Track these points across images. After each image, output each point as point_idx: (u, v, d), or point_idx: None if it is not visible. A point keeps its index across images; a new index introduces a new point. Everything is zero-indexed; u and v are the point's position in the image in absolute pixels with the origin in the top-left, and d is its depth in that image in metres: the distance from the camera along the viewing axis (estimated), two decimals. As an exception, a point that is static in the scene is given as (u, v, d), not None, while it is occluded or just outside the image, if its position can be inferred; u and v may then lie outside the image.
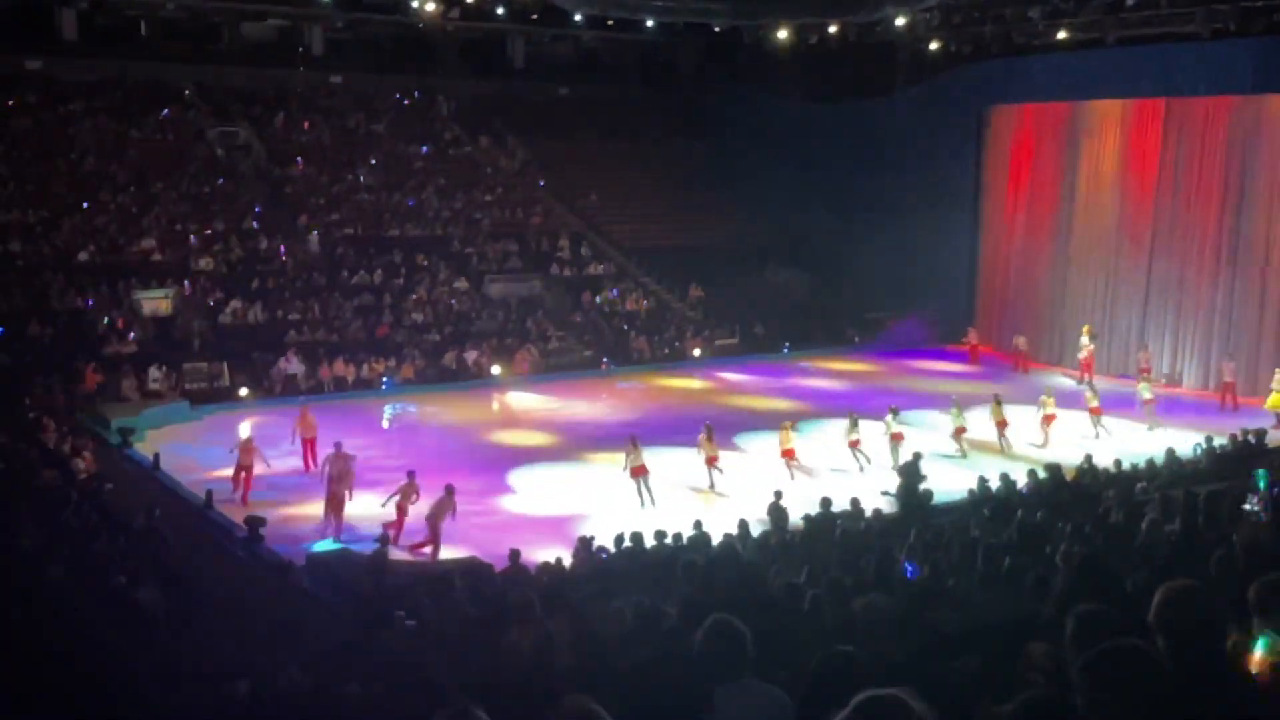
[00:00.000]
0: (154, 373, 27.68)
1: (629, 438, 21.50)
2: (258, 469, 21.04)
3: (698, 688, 4.25)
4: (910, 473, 19.40)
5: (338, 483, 19.10)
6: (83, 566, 12.98)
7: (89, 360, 27.31)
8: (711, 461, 21.87)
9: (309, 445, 22.65)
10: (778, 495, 18.09)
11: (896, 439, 23.21)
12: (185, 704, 7.45)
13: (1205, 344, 31.01)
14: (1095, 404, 25.69)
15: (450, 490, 18.35)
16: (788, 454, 22.61)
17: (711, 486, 21.74)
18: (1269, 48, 28.67)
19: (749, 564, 11.70)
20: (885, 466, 22.43)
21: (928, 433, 24.81)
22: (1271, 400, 26.40)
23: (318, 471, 20.24)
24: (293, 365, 29.20)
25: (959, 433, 24.11)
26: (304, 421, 22.94)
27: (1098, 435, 24.83)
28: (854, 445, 23.14)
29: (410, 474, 19.03)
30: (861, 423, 23.41)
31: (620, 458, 21.44)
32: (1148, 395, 26.51)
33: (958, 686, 5.61)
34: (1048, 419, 25.01)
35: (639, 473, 20.91)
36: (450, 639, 9.53)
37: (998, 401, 24.93)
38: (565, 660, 6.43)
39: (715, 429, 22.43)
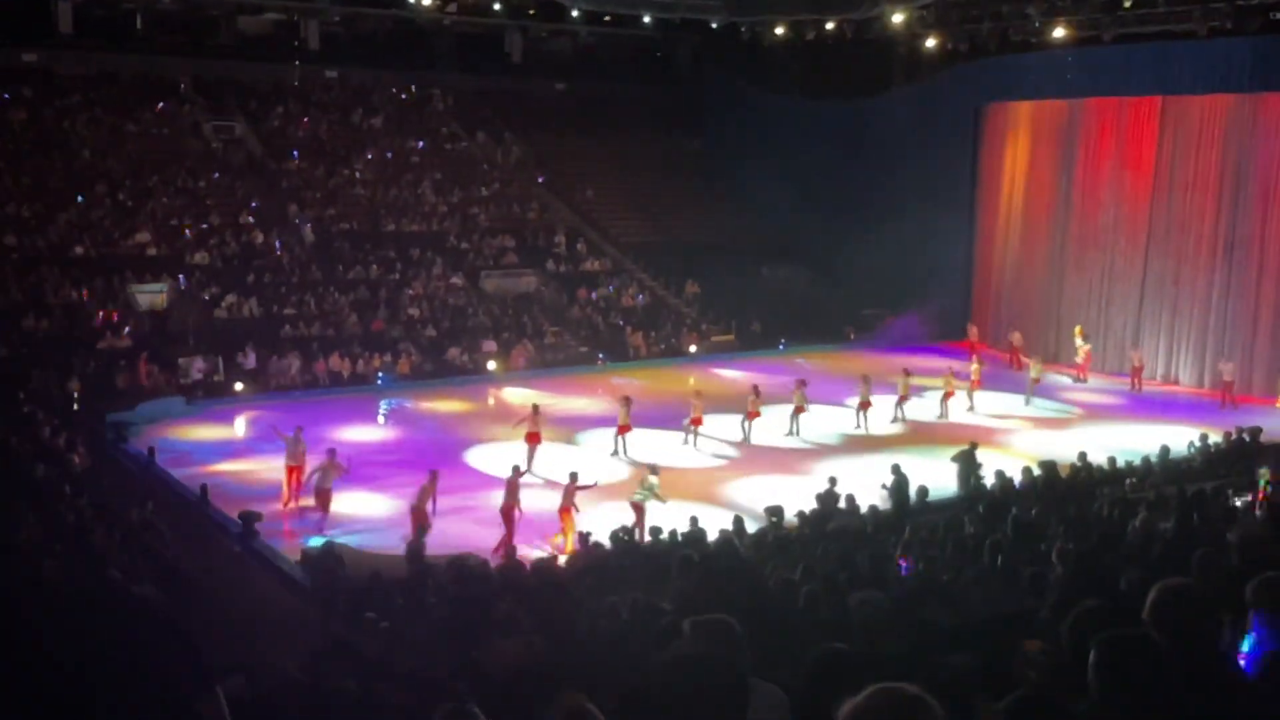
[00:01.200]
0: (199, 363, 28.21)
1: (622, 398, 24.22)
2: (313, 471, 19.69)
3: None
4: (967, 460, 19.73)
5: (322, 481, 19.13)
6: (78, 560, 12.97)
7: (87, 354, 27.32)
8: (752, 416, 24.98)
9: (293, 474, 20.03)
10: (895, 469, 18.72)
11: (864, 407, 26.10)
12: (179, 699, 7.44)
13: (1200, 342, 31.09)
14: (975, 378, 28.28)
15: (433, 475, 18.53)
16: (695, 422, 24.72)
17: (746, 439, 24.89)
18: (1265, 46, 28.69)
19: (746, 560, 11.71)
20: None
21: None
22: None
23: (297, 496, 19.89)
24: (250, 360, 28.95)
25: (864, 407, 26.09)
26: (294, 451, 20.24)
27: (971, 408, 27.68)
28: (864, 408, 26.01)
29: (433, 473, 18.82)
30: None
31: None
32: (1035, 375, 29.34)
33: (953, 683, 5.62)
34: (948, 395, 27.42)
35: (623, 430, 23.76)
36: (422, 644, 9.49)
37: (952, 374, 27.67)
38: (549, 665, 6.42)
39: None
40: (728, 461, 24.06)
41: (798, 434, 25.46)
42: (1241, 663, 3.75)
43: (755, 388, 25.54)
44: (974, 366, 28.82)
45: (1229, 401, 28.28)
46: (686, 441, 24.79)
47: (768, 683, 4.23)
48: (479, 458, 23.86)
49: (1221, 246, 30.36)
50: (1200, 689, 3.30)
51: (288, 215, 35.42)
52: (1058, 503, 15.14)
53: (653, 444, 24.11)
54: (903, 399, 26.77)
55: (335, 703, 6.10)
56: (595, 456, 23.28)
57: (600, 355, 33.35)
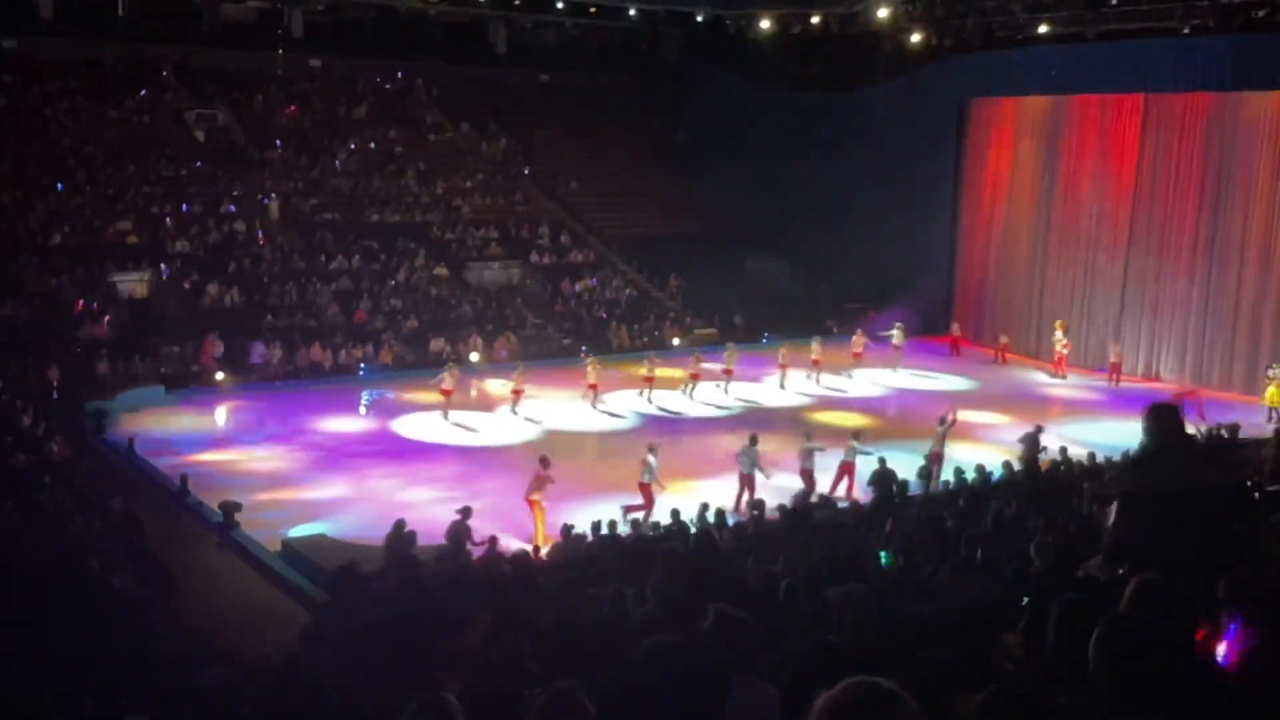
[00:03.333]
0: (259, 349, 29.03)
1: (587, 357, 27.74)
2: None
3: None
4: (1032, 442, 20.00)
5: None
6: (57, 550, 12.91)
7: (65, 345, 27.18)
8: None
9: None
10: (881, 462, 18.83)
11: (817, 364, 30.07)
12: (159, 687, 7.43)
13: (1181, 338, 31.25)
14: (815, 357, 30.46)
15: (545, 461, 18.54)
16: (592, 387, 27.14)
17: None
18: (1247, 45, 28.83)
19: (726, 553, 11.71)
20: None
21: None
22: (1269, 395, 26.57)
23: None
24: (217, 349, 28.77)
25: (783, 368, 29.63)
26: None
27: (818, 381, 30.32)
28: (815, 364, 29.86)
29: (543, 460, 18.70)
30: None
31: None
32: (898, 342, 32.22)
33: (932, 677, 5.64)
34: (781, 367, 30.11)
35: (593, 389, 26.99)
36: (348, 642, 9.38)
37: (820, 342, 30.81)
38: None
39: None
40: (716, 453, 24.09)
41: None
42: (1218, 657, 3.77)
43: (697, 356, 29.39)
44: (815, 344, 30.78)
45: (1116, 381, 30.38)
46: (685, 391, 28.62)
47: (759, 679, 4.23)
48: (460, 448, 23.85)
49: (1202, 244, 30.51)
50: (1177, 682, 3.32)
51: (269, 201, 35.26)
52: (1037, 497, 15.21)
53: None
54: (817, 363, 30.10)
55: (313, 691, 6.10)
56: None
57: (583, 348, 33.29)
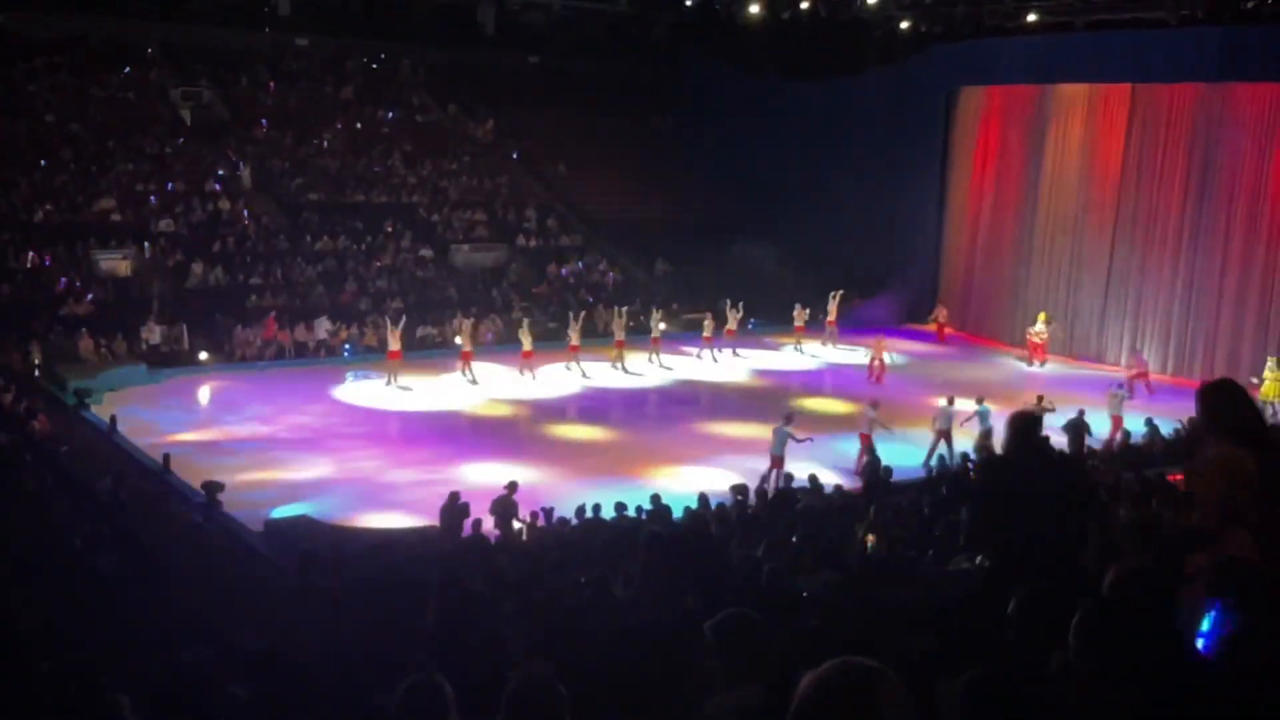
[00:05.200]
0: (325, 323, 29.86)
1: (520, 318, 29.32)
2: None
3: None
4: (1076, 430, 20.35)
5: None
6: (38, 528, 12.86)
7: (49, 321, 27.05)
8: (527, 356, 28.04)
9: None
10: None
11: (730, 333, 31.87)
12: (141, 666, 7.41)
13: (1165, 328, 31.36)
14: (706, 334, 31.43)
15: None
16: (526, 355, 27.90)
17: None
18: (1235, 36, 28.88)
19: (715, 538, 11.75)
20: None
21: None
22: (1265, 389, 26.56)
23: None
24: (155, 335, 28.55)
25: (619, 345, 29.83)
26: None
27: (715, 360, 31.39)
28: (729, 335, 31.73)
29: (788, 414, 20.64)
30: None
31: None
32: (831, 317, 32.97)
33: (914, 663, 5.67)
34: (654, 342, 31.00)
35: (527, 356, 27.95)
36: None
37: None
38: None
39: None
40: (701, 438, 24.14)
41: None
42: (1199, 644, 3.80)
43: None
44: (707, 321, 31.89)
45: (1036, 360, 31.69)
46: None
47: (748, 685, 4.24)
48: (445, 430, 23.83)
49: (1187, 235, 30.61)
50: (1158, 669, 3.35)
51: (256, 185, 35.07)
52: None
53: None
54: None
55: (297, 672, 6.10)
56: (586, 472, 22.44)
57: (570, 332, 33.22)
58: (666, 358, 30.96)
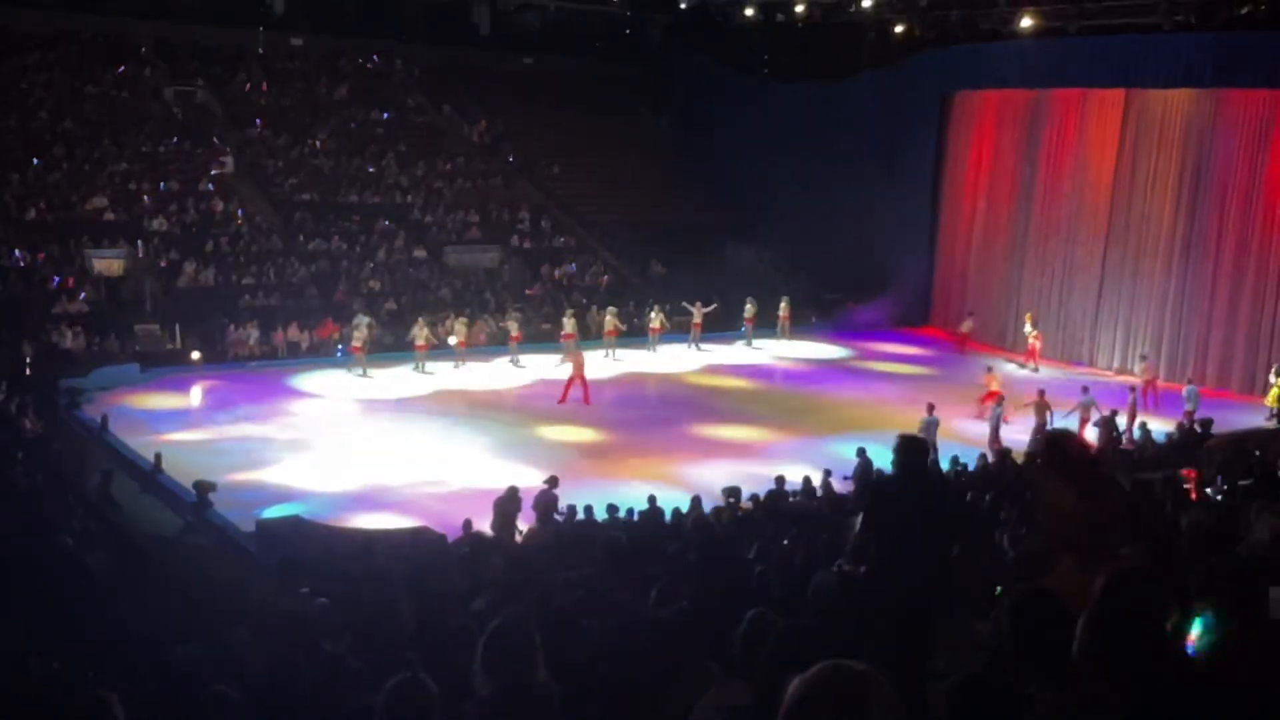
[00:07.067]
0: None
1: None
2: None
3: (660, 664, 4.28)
4: (1108, 428, 20.95)
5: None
6: (28, 526, 12.82)
7: (39, 321, 26.97)
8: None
9: None
10: (860, 452, 19.12)
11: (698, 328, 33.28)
12: (131, 665, 7.39)
13: (1157, 334, 31.38)
14: (658, 325, 32.64)
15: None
16: (460, 344, 29.03)
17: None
18: (1228, 42, 28.94)
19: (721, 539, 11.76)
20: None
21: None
22: (1272, 395, 26.48)
23: None
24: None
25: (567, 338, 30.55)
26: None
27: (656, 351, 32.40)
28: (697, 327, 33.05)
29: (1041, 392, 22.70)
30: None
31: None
32: (783, 313, 34.27)
33: (904, 665, 5.68)
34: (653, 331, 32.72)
35: (460, 343, 29.11)
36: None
37: None
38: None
39: None
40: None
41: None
42: (1188, 648, 3.81)
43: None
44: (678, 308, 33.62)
45: (964, 351, 33.31)
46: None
47: (734, 680, 4.24)
48: (439, 431, 23.81)
49: (1180, 241, 30.65)
50: (1147, 672, 3.35)
51: (249, 184, 35.00)
52: (1011, 489, 15.29)
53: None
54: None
55: (287, 671, 6.08)
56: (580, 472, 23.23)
57: (562, 333, 33.21)
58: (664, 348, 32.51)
